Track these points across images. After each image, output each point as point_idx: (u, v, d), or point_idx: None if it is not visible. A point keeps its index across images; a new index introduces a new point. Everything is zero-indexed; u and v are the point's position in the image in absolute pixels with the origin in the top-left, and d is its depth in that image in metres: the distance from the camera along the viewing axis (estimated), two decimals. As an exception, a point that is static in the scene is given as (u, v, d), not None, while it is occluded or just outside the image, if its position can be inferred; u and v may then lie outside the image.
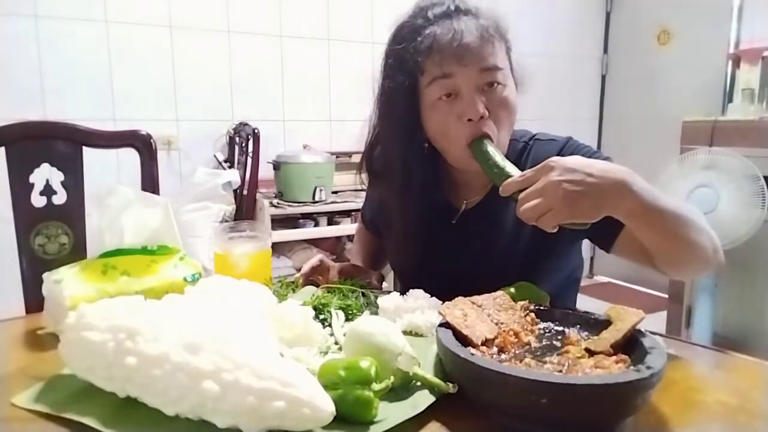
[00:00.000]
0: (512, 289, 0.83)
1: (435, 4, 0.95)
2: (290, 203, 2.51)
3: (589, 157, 0.94)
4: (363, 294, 0.93)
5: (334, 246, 2.76)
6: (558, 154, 0.96)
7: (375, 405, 0.57)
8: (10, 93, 2.26)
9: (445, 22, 0.93)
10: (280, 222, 2.54)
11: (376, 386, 0.57)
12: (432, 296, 0.87)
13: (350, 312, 0.85)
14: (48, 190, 1.22)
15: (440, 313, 0.69)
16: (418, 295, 0.87)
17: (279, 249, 2.53)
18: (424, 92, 0.94)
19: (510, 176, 0.80)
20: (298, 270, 1.19)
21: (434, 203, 1.07)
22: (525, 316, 0.74)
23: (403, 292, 0.89)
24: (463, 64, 0.91)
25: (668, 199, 0.77)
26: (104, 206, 0.90)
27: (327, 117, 2.97)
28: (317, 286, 0.99)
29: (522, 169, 0.95)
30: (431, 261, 1.05)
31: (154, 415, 0.58)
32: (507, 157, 1.04)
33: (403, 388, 0.63)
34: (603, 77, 3.90)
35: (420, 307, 0.84)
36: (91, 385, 0.63)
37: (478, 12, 0.96)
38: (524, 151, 1.04)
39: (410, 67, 0.93)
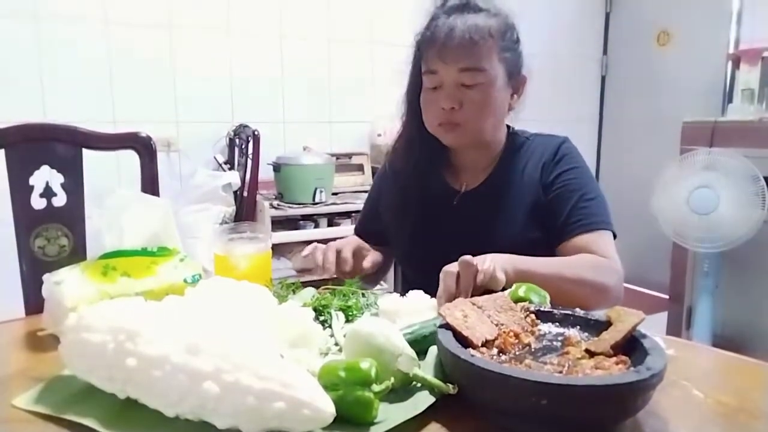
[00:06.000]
0: (513, 290, 0.83)
1: None
2: (290, 205, 2.51)
3: (575, 166, 1.10)
4: (363, 295, 0.93)
5: (334, 247, 2.75)
6: (556, 151, 1.10)
7: (375, 406, 0.57)
8: (10, 95, 2.25)
9: (448, 18, 1.03)
10: (280, 223, 2.54)
11: (376, 387, 0.57)
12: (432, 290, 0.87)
13: (350, 313, 0.85)
14: (48, 192, 1.21)
15: (440, 315, 0.70)
16: (417, 297, 0.87)
17: (279, 250, 2.53)
18: (423, 77, 1.09)
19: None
20: (298, 271, 1.19)
21: (434, 185, 1.17)
22: (525, 317, 0.74)
23: (409, 284, 0.90)
24: (445, 62, 1.03)
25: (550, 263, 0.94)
26: (104, 208, 0.90)
27: (327, 118, 2.97)
28: (316, 287, 1.00)
29: (522, 159, 1.14)
30: (432, 244, 1.12)
31: (155, 416, 0.58)
32: (506, 150, 1.16)
33: (403, 389, 0.63)
34: (603, 78, 3.90)
35: (420, 309, 0.83)
36: (92, 386, 0.63)
37: (488, 11, 1.06)
38: (524, 145, 1.15)
39: (417, 52, 1.10)
